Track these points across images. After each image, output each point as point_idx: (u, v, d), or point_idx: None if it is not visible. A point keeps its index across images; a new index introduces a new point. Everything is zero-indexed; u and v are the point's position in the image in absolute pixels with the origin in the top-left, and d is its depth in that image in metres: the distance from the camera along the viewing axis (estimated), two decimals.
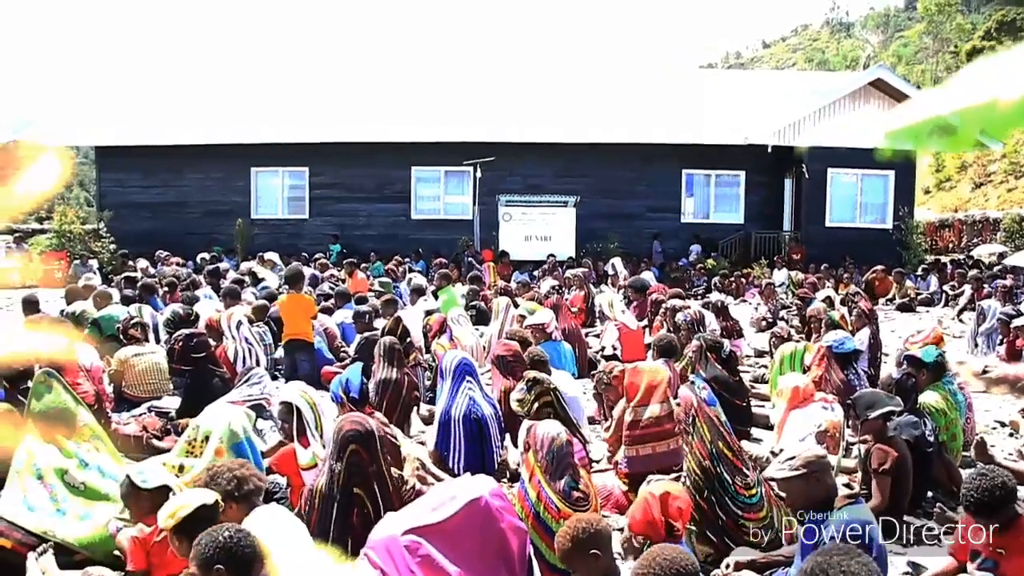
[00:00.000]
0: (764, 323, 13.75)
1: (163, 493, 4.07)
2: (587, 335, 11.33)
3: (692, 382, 5.22)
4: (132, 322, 8.41)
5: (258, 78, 26.93)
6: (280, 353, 9.88)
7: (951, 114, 2.15)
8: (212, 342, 8.19)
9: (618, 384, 6.24)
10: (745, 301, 16.77)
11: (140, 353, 7.94)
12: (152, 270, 16.14)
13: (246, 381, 6.97)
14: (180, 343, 7.46)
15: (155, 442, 6.50)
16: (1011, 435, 7.39)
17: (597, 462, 6.21)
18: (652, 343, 7.95)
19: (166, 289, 12.12)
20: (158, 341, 9.18)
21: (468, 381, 6.27)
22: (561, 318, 10.11)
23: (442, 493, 3.89)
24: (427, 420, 7.38)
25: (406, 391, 6.92)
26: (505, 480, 5.79)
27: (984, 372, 8.70)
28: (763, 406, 7.85)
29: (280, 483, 5.28)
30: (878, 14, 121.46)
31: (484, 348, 9.58)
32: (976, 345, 11.42)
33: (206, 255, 19.23)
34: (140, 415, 7.29)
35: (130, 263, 18.28)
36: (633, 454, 5.75)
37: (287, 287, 10.53)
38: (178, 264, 18.24)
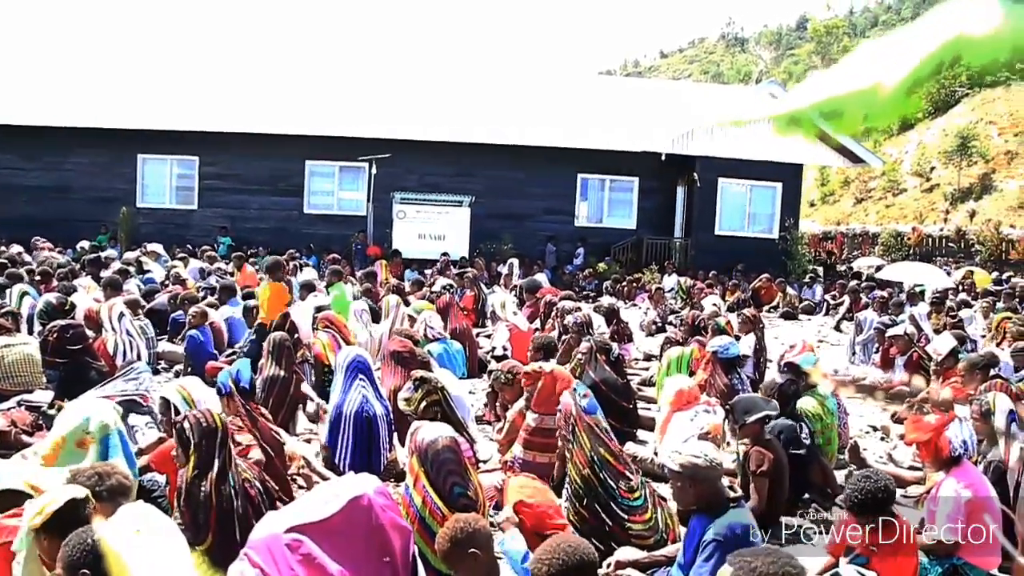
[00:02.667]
0: (653, 327, 14.02)
1: (11, 496, 3.88)
2: (478, 335, 11.35)
3: (574, 389, 5.25)
4: (2, 311, 8.01)
5: (148, 61, 25.90)
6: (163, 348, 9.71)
7: (834, 99, 2.19)
8: (91, 334, 7.87)
9: (529, 384, 6.03)
10: (635, 305, 17.09)
11: (10, 344, 7.49)
12: (27, 256, 15.35)
13: (123, 375, 6.70)
14: (55, 334, 7.11)
15: (24, 437, 6.18)
16: (882, 439, 7.73)
17: (485, 462, 6.20)
18: (532, 342, 8.00)
19: (38, 277, 11.57)
20: (31, 332, 8.76)
21: (360, 379, 6.20)
22: (452, 318, 10.10)
23: (325, 491, 3.84)
24: (313, 418, 7.26)
25: (293, 389, 6.79)
26: (391, 480, 5.74)
27: (834, 373, 9.26)
28: (650, 408, 7.99)
29: (159, 481, 5.11)
30: (771, 31, 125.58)
31: (376, 345, 9.49)
32: (854, 353, 11.87)
33: (86, 243, 18.47)
34: (9, 409, 6.90)
35: (1, 248, 17.37)
36: (530, 459, 5.73)
37: (266, 276, 10.28)
38: (51, 251, 17.41)
